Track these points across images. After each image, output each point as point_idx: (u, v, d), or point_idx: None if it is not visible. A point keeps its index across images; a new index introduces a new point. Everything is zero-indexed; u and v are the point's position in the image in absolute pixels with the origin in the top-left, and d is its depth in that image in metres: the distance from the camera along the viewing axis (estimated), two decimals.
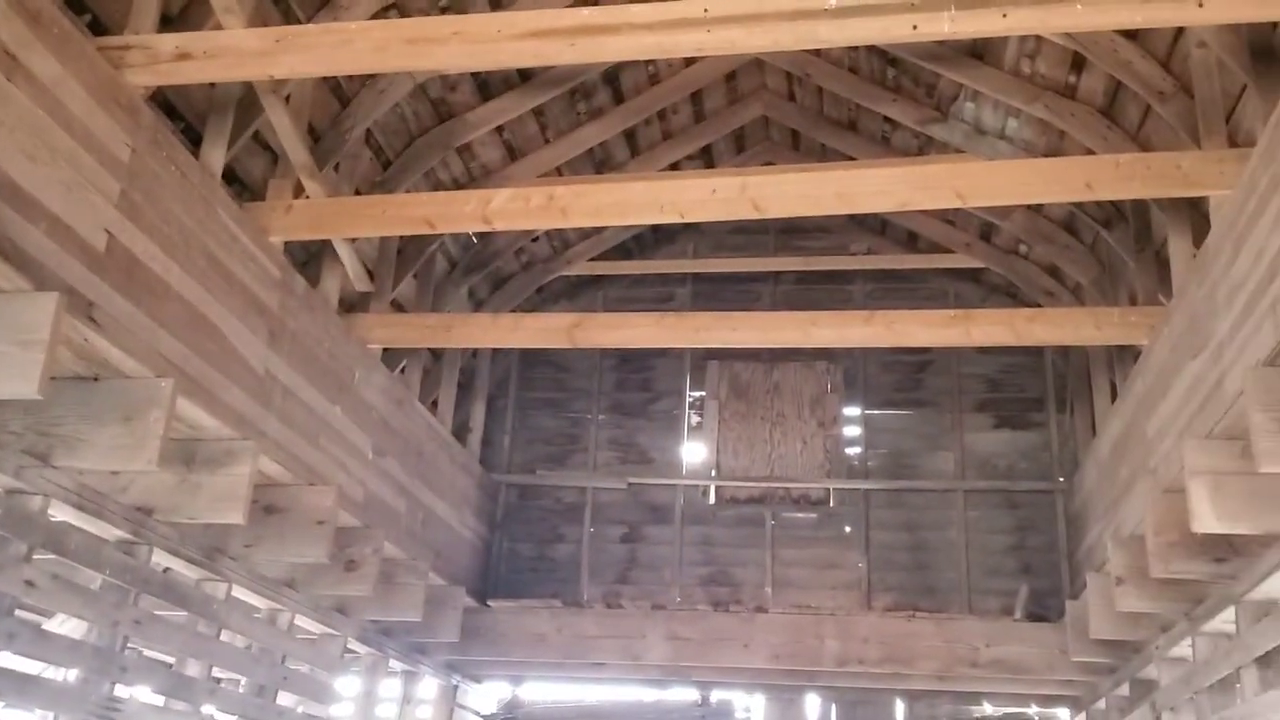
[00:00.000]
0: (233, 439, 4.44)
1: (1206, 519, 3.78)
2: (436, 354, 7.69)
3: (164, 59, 4.02)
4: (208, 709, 4.88)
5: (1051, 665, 6.62)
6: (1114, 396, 6.48)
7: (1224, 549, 4.15)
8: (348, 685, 6.54)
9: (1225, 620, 4.42)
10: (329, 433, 5.34)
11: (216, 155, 4.72)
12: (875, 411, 8.31)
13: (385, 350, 6.29)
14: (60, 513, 4.02)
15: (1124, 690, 5.98)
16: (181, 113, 4.96)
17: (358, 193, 6.07)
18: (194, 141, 4.80)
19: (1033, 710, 7.49)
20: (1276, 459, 3.27)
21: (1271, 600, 4.02)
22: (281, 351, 4.91)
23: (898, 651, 6.88)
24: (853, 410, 8.33)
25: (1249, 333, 3.65)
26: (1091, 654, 6.00)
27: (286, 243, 5.20)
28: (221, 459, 4.41)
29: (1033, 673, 6.68)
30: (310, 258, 6.00)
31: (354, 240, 5.99)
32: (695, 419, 8.54)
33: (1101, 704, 6.48)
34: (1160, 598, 4.72)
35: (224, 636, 5.02)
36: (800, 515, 8.13)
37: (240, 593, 5.13)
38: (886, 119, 7.22)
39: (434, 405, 7.45)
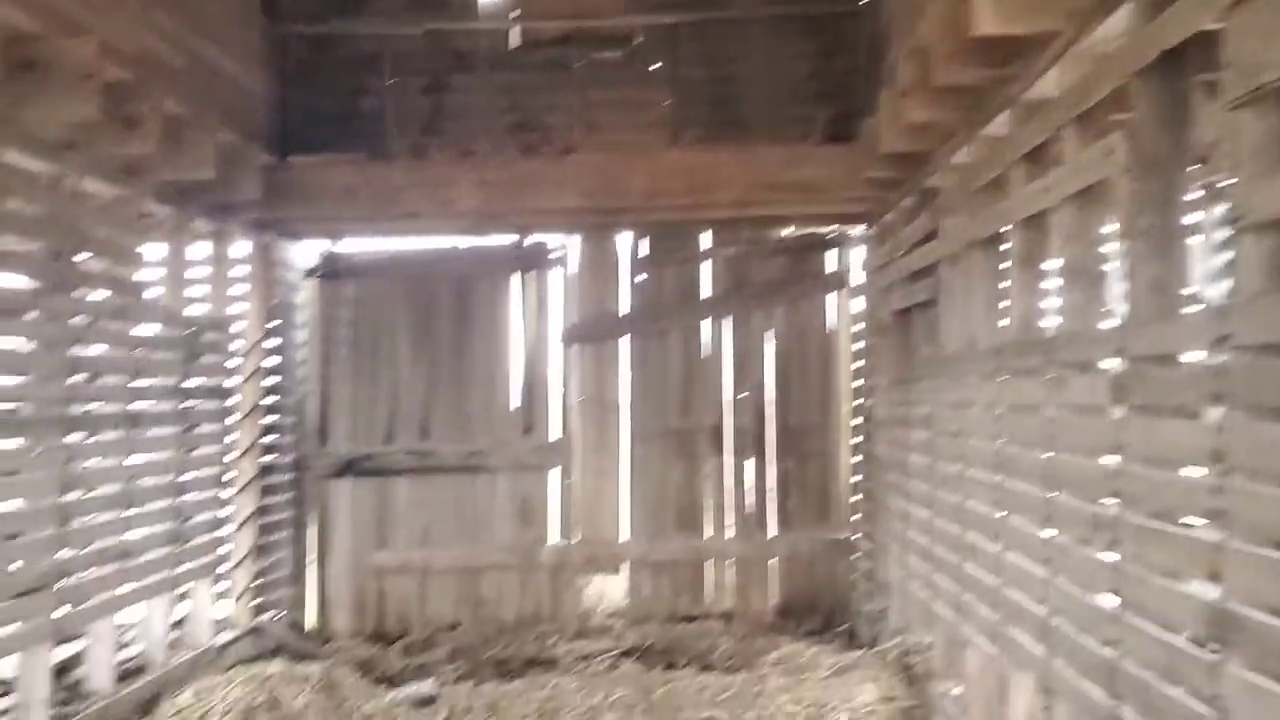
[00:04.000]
0: None
1: (987, 21, 3.87)
2: None
3: None
4: None
5: (847, 184, 6.97)
6: None
7: (1002, 52, 4.28)
8: (155, 250, 6.43)
9: (1000, 124, 4.66)
10: None
11: None
12: None
13: None
14: None
15: (910, 201, 6.40)
16: None
17: None
18: None
19: (834, 229, 7.97)
20: None
21: (1042, 99, 4.24)
22: None
23: (702, 182, 7.11)
24: None
25: None
26: (882, 169, 6.33)
27: None
28: None
29: (829, 192, 7.06)
30: None
31: None
32: None
33: (890, 216, 6.94)
34: (942, 106, 4.92)
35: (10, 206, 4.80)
36: (607, 55, 7.97)
37: (16, 158, 4.83)
38: None
39: None
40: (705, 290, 8.08)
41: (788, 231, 8.10)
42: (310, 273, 8.04)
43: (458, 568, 7.90)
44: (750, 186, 7.09)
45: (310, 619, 7.89)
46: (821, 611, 7.69)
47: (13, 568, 4.77)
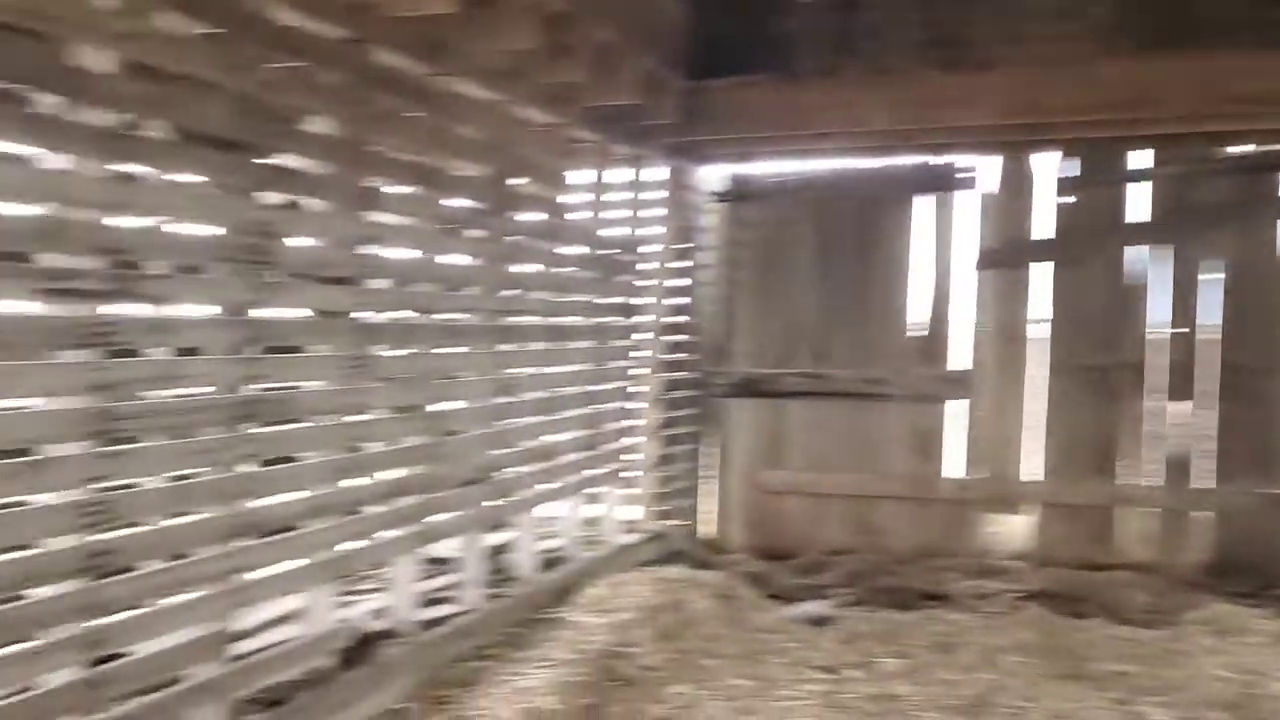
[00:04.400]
0: None
1: None
2: None
3: None
4: (448, 202, 5.20)
5: None
6: None
7: None
8: (578, 174, 6.81)
9: None
10: None
11: None
12: None
13: None
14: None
15: None
16: None
17: None
18: None
19: None
20: None
21: None
22: None
23: (1138, 96, 6.47)
24: None
25: None
26: None
27: None
28: None
29: None
30: None
31: None
32: None
33: None
34: None
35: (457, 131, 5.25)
36: None
37: (467, 88, 5.24)
38: None
39: None
40: (1136, 214, 7.39)
41: (1237, 150, 7.19)
42: (718, 196, 8.18)
43: (850, 494, 7.86)
44: (1197, 100, 6.36)
45: (707, 530, 8.18)
46: (1257, 573, 6.91)
47: (455, 460, 5.28)
